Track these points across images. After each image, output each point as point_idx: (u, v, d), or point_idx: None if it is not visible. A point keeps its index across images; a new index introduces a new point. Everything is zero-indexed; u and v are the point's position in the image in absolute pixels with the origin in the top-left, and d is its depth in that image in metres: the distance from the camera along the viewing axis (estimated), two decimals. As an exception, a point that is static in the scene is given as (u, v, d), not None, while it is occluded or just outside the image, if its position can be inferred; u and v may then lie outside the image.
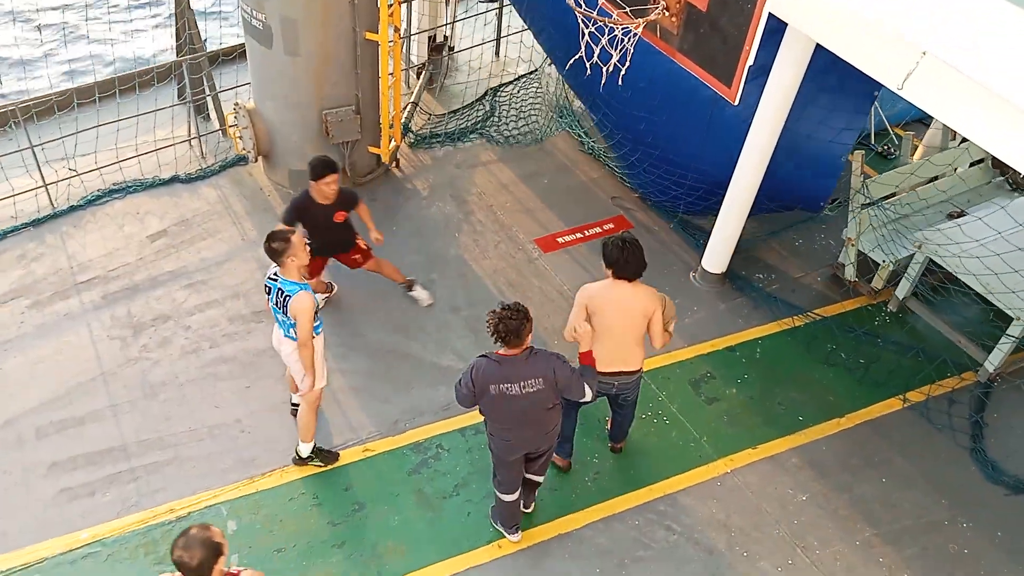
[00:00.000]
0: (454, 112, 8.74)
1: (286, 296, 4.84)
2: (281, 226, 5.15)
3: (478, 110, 8.76)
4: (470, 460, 5.65)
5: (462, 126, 8.55)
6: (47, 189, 7.23)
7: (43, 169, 7.15)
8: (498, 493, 4.99)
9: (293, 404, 5.79)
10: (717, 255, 6.95)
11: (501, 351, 4.42)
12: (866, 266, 6.96)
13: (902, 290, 6.81)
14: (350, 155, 7.42)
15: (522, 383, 4.38)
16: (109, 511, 5.20)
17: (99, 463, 5.45)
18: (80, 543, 5.03)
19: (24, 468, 5.39)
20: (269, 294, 5.02)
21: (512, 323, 4.26)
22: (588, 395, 4.52)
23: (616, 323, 4.83)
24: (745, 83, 5.15)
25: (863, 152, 6.80)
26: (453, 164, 8.16)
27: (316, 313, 4.92)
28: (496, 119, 8.66)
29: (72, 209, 7.26)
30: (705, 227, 7.29)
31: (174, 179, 7.63)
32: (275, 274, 4.93)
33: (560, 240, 7.44)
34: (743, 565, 5.21)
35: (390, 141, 7.61)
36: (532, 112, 8.74)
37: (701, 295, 7.02)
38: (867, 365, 6.51)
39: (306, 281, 4.97)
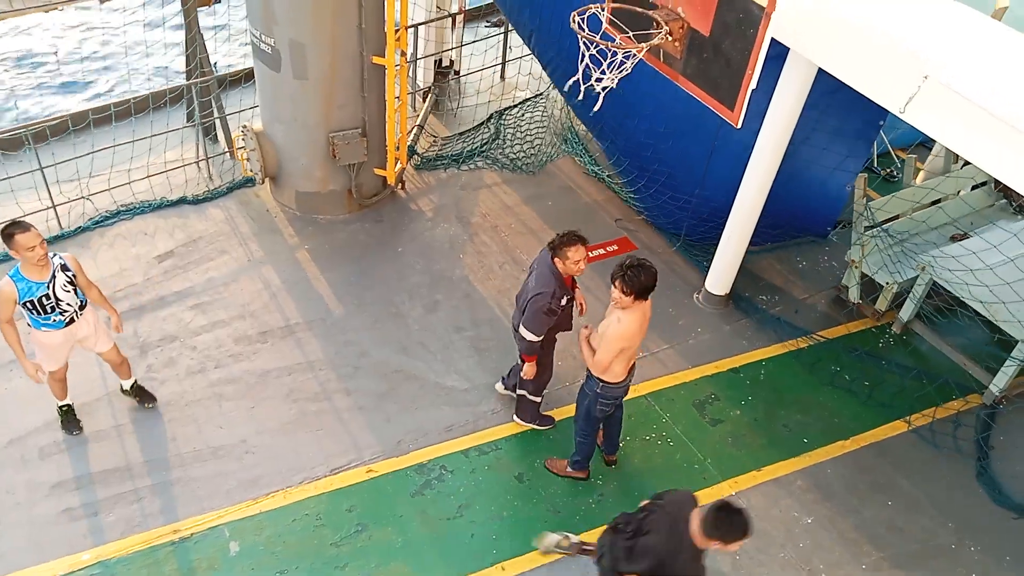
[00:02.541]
0: (459, 135, 8.82)
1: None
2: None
3: (483, 133, 8.84)
4: (473, 481, 5.64)
5: (467, 149, 8.62)
6: (55, 210, 7.30)
7: (52, 190, 7.22)
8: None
9: (134, 389, 5.88)
10: (720, 277, 6.97)
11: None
12: (870, 288, 6.97)
13: (906, 312, 6.81)
14: (356, 177, 7.49)
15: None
16: (113, 531, 5.19)
17: (103, 483, 5.45)
18: (82, 564, 5.02)
19: (27, 488, 5.39)
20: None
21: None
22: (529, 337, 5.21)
23: (639, 339, 4.95)
24: (748, 107, 5.21)
25: (866, 175, 6.84)
26: (458, 186, 8.22)
27: (37, 304, 4.99)
28: (501, 142, 8.73)
29: (81, 230, 7.32)
30: (709, 249, 7.31)
31: (182, 200, 7.70)
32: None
33: (564, 261, 7.46)
34: (748, 589, 5.18)
35: (396, 163, 7.68)
36: (537, 136, 8.82)
37: (705, 316, 7.03)
38: (872, 387, 6.49)
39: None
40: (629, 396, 6.23)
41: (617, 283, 4.66)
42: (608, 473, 5.76)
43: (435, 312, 6.85)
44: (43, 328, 5.18)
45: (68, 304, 5.14)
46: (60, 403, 5.75)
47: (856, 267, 6.93)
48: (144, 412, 5.89)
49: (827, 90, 5.70)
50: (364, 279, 7.10)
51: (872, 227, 6.84)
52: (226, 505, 5.38)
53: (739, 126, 5.27)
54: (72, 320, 5.22)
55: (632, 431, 6.03)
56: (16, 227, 4.84)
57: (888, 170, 8.65)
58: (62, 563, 5.02)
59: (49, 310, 5.08)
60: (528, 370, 5.47)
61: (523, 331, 5.24)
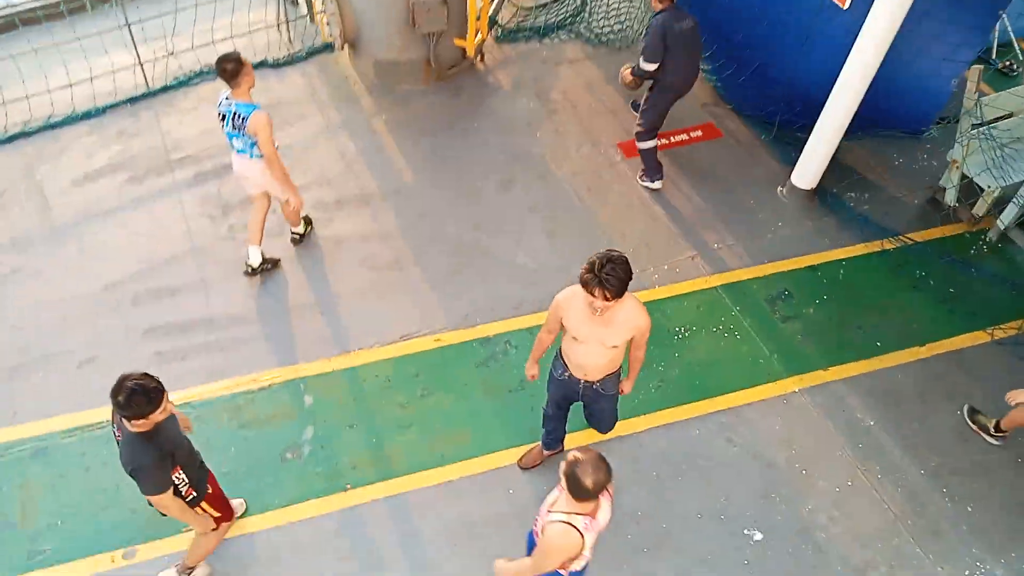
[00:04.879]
0: (543, 6, 8.44)
1: (243, 117, 5.25)
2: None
3: (569, 5, 8.44)
4: (537, 358, 5.75)
5: (551, 21, 8.28)
6: (142, 67, 7.42)
7: (139, 47, 7.31)
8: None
9: (294, 233, 6.24)
10: (808, 171, 6.66)
11: None
12: (969, 191, 6.56)
13: (1007, 218, 6.42)
14: (435, 46, 7.32)
15: None
16: (198, 376, 5.55)
17: (190, 332, 5.78)
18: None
19: (123, 331, 5.77)
20: (223, 120, 5.35)
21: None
22: None
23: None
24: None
25: (981, 68, 6.28)
26: (539, 60, 7.96)
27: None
28: (587, 15, 8.34)
29: (165, 88, 7.45)
30: (799, 141, 6.96)
31: (263, 63, 7.70)
32: (227, 98, 5.30)
33: (644, 145, 7.25)
34: (800, 482, 5.23)
35: (476, 34, 7.45)
36: (626, 10, 8.37)
37: (787, 211, 6.78)
38: (957, 294, 6.23)
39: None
40: (699, 287, 6.22)
41: (597, 291, 3.74)
42: (671, 360, 5.78)
43: (509, 190, 6.81)
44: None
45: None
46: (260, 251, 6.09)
47: (957, 167, 6.50)
48: (225, 268, 6.14)
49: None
50: (439, 152, 7.07)
51: (980, 125, 6.36)
52: (302, 361, 5.66)
53: (846, 6, 4.87)
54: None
55: (699, 322, 6.00)
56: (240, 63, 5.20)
57: (1007, 62, 7.93)
58: (153, 402, 5.41)
59: None
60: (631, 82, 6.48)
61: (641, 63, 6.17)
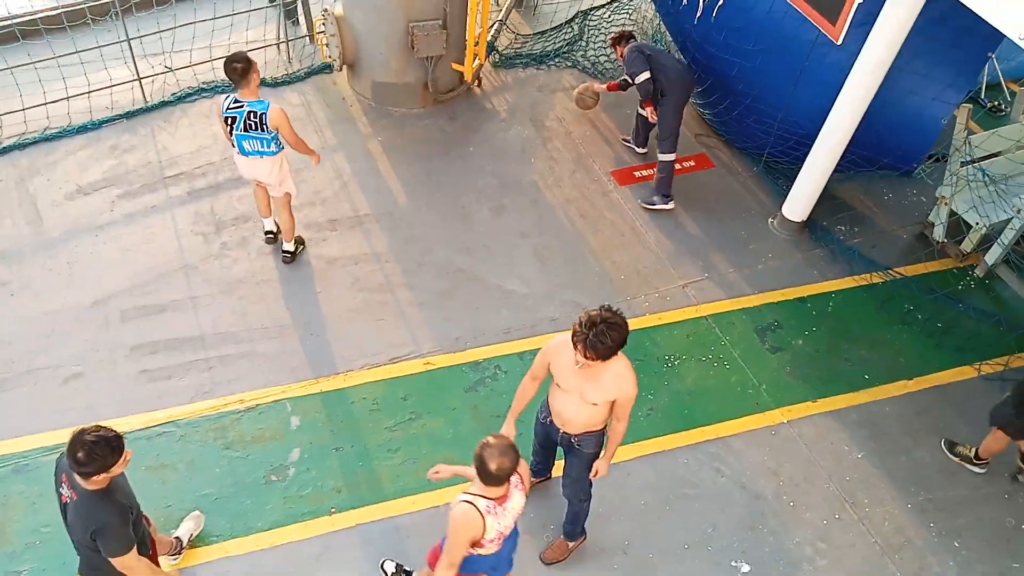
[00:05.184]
0: (541, 33, 8.54)
1: (260, 114, 5.36)
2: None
3: (566, 33, 8.55)
4: (527, 383, 5.74)
5: (548, 48, 8.37)
6: (140, 83, 7.44)
7: (138, 63, 7.33)
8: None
9: (285, 252, 6.26)
10: (799, 203, 6.73)
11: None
12: (957, 227, 6.64)
13: (992, 256, 6.49)
14: (433, 70, 7.37)
15: None
16: (184, 395, 5.51)
17: (177, 350, 5.75)
18: (156, 422, 5.36)
19: (110, 347, 5.73)
20: (234, 124, 5.42)
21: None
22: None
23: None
24: (850, 26, 4.88)
25: (970, 107, 6.39)
26: (535, 87, 8.03)
27: None
28: (584, 44, 8.44)
29: (163, 104, 7.47)
30: (790, 174, 7.04)
31: (261, 82, 7.70)
32: (236, 100, 5.36)
33: (637, 174, 7.31)
34: (788, 514, 5.22)
35: (474, 59, 7.52)
36: (622, 39, 8.47)
37: (778, 243, 6.84)
38: (945, 329, 6.28)
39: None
40: (689, 316, 6.24)
41: (580, 348, 3.69)
42: (660, 388, 5.78)
43: (501, 216, 6.84)
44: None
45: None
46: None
47: (945, 204, 6.58)
48: (216, 287, 6.12)
49: (936, 14, 5.28)
50: (433, 176, 7.10)
51: (969, 163, 6.45)
52: (290, 381, 5.63)
53: (840, 42, 4.96)
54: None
55: (688, 351, 6.01)
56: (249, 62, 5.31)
57: (995, 103, 8.07)
58: (139, 419, 5.37)
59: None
60: (650, 114, 6.71)
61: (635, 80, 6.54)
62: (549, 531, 5.02)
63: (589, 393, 4.00)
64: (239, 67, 5.23)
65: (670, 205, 6.94)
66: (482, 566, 3.78)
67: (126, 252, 6.31)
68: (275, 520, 4.95)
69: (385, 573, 4.75)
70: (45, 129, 7.14)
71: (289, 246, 6.25)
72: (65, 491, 3.64)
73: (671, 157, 6.83)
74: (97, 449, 3.36)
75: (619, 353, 3.78)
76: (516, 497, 3.63)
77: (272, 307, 6.05)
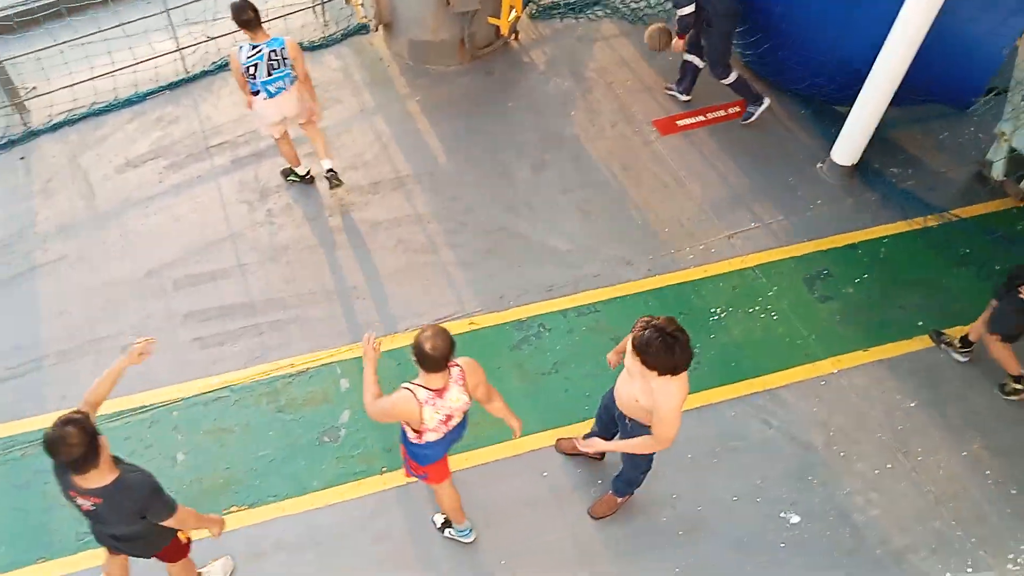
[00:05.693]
0: (579, -19, 8.33)
1: (280, 49, 5.63)
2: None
3: (604, -21, 8.31)
4: (570, 341, 5.75)
5: (586, -4, 8.16)
6: (181, 53, 7.52)
7: (179, 32, 7.40)
8: None
9: (329, 170, 6.37)
10: (849, 146, 6.49)
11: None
12: (1018, 164, 6.33)
13: (1057, 193, 6.20)
14: (469, 25, 7.27)
15: None
16: (237, 361, 5.67)
17: (229, 317, 5.91)
18: (212, 387, 5.55)
19: (165, 316, 5.92)
20: (256, 69, 5.64)
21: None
22: None
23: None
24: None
25: (1034, 36, 6.03)
26: (574, 37, 7.86)
27: None
28: (622, -11, 8.20)
29: (204, 74, 7.55)
30: (840, 115, 6.78)
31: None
32: (253, 47, 5.57)
33: (679, 123, 7.14)
34: (838, 464, 5.17)
35: (511, 12, 7.38)
36: (661, -18, 8.21)
37: (826, 188, 6.64)
38: (1003, 272, 6.01)
39: None
40: (735, 267, 6.14)
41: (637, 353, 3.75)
42: (706, 341, 5.73)
43: (542, 171, 6.78)
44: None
45: None
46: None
47: (1005, 140, 6.28)
48: (263, 253, 6.24)
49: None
50: (473, 134, 7.06)
51: (1032, 96, 6.12)
52: (338, 345, 5.74)
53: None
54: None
55: (735, 302, 5.93)
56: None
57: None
58: (195, 385, 5.56)
59: None
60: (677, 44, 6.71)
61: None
62: (597, 486, 5.07)
63: (634, 386, 4.01)
64: (252, 14, 5.48)
65: (766, 102, 6.96)
66: (418, 452, 4.08)
67: (176, 222, 6.47)
68: (329, 480, 5.11)
69: (435, 525, 4.89)
70: (92, 104, 7.30)
71: (329, 162, 6.37)
72: (82, 502, 3.50)
73: (733, 77, 6.86)
74: (72, 435, 3.23)
75: (679, 375, 3.76)
76: (454, 391, 3.82)
77: (318, 272, 6.15)
